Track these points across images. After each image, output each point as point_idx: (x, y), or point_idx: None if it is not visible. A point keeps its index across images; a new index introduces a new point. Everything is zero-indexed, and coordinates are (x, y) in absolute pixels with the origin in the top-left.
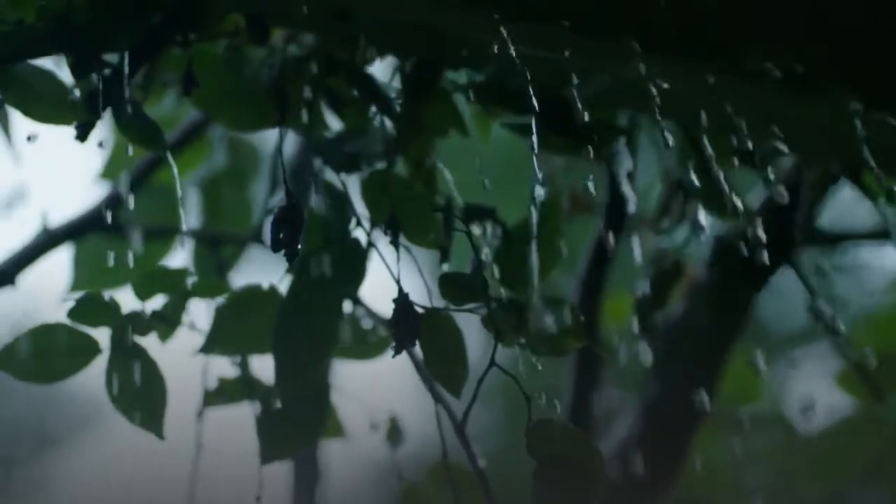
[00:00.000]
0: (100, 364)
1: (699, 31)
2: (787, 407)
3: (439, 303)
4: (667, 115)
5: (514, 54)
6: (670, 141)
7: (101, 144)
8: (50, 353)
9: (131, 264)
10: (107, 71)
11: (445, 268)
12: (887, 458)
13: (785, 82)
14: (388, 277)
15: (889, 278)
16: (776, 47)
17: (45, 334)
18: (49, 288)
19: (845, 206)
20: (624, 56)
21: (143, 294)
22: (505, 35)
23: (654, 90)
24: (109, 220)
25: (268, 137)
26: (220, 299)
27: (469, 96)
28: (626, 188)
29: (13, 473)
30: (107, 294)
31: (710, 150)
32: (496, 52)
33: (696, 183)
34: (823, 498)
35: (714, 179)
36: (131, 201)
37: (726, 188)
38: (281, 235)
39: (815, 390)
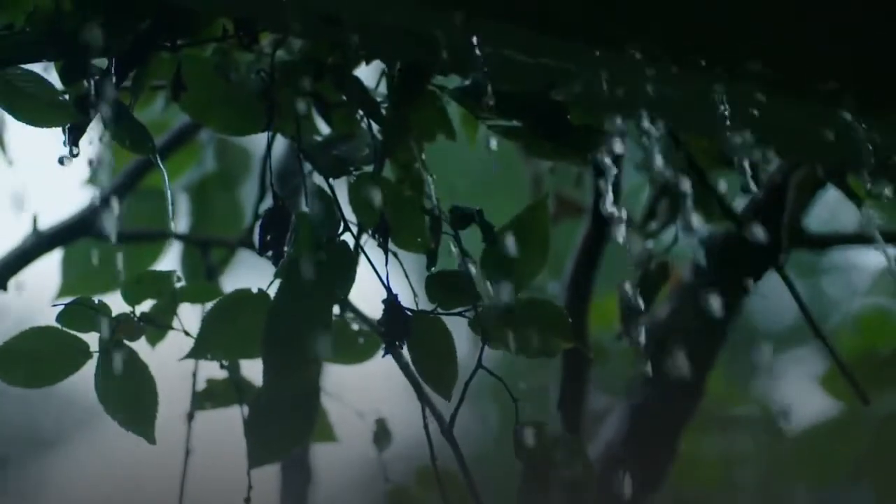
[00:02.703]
0: (92, 367)
1: (689, 35)
2: (774, 407)
3: (426, 307)
4: (655, 118)
5: (502, 58)
6: (658, 144)
7: (91, 147)
8: (40, 356)
9: (120, 269)
10: (96, 76)
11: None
12: (873, 458)
13: (772, 85)
14: (376, 281)
15: (873, 279)
16: (764, 50)
17: (35, 338)
18: (39, 292)
19: (832, 208)
20: (613, 60)
21: (132, 298)
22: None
23: (643, 93)
24: (98, 224)
25: (258, 140)
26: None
27: (456, 100)
28: (613, 191)
29: (6, 474)
30: (97, 298)
31: (697, 153)
32: (484, 56)
33: (684, 186)
34: (810, 497)
35: (701, 182)
36: (117, 207)
37: (714, 191)
38: (268, 238)
39: (801, 391)
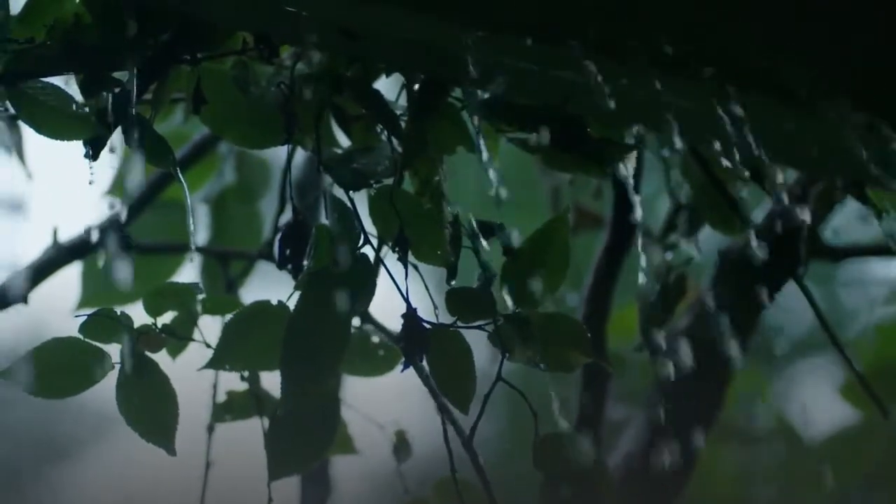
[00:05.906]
0: (112, 376)
1: (705, 49)
2: (792, 417)
3: (446, 319)
4: (674, 130)
5: (520, 71)
6: (677, 157)
7: (112, 150)
8: (62, 367)
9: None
10: (116, 89)
11: (452, 285)
12: (890, 467)
13: (789, 97)
14: (396, 293)
15: (892, 289)
16: (780, 63)
17: (56, 349)
18: (60, 304)
19: (851, 220)
20: (630, 73)
21: (153, 310)
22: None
23: (661, 107)
24: (117, 237)
25: (278, 153)
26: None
27: (476, 113)
28: (632, 203)
29: (22, 483)
30: (118, 310)
31: (715, 166)
32: (503, 69)
33: (702, 199)
34: None
35: (720, 195)
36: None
37: (732, 204)
38: (287, 251)
39: (819, 401)
